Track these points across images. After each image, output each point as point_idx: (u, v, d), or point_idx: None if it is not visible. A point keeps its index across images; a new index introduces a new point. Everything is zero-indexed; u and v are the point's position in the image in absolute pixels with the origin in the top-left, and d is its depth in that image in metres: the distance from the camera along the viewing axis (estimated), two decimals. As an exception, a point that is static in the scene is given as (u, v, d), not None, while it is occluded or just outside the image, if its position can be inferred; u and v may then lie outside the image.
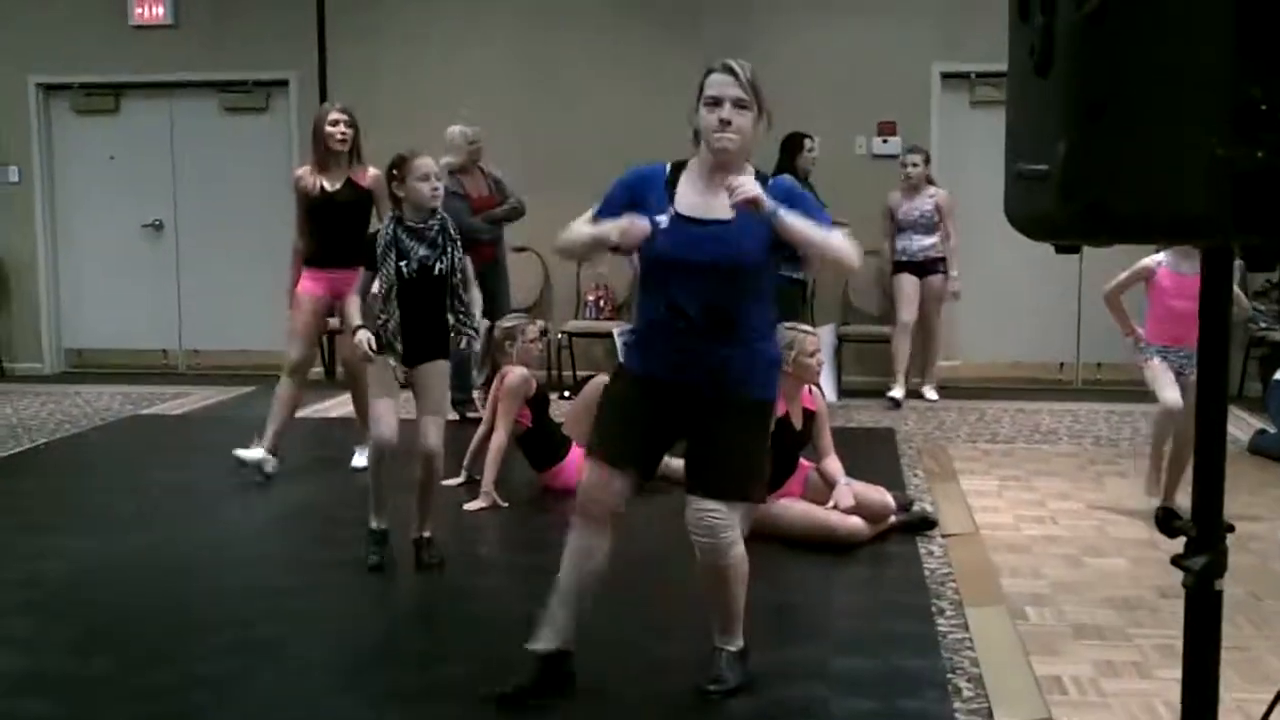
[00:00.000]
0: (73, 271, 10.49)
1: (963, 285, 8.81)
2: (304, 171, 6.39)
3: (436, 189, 4.77)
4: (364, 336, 4.79)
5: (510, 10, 9.65)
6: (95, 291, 10.46)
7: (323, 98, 9.75)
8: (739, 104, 3.42)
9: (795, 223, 3.36)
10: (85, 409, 8.60)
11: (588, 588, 3.64)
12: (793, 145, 8.19)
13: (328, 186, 6.25)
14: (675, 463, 6.10)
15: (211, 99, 10.20)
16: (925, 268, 8.66)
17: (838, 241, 3.46)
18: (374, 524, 4.92)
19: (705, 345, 3.46)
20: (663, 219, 3.47)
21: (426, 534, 4.93)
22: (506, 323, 6.32)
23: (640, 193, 3.56)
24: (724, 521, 3.49)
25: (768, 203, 3.32)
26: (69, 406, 8.71)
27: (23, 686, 3.76)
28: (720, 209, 3.42)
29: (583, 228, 3.54)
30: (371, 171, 6.25)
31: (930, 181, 8.70)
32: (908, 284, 8.63)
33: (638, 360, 3.62)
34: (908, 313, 8.60)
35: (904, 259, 8.68)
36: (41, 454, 7.20)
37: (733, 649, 3.69)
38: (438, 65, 9.63)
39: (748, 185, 3.32)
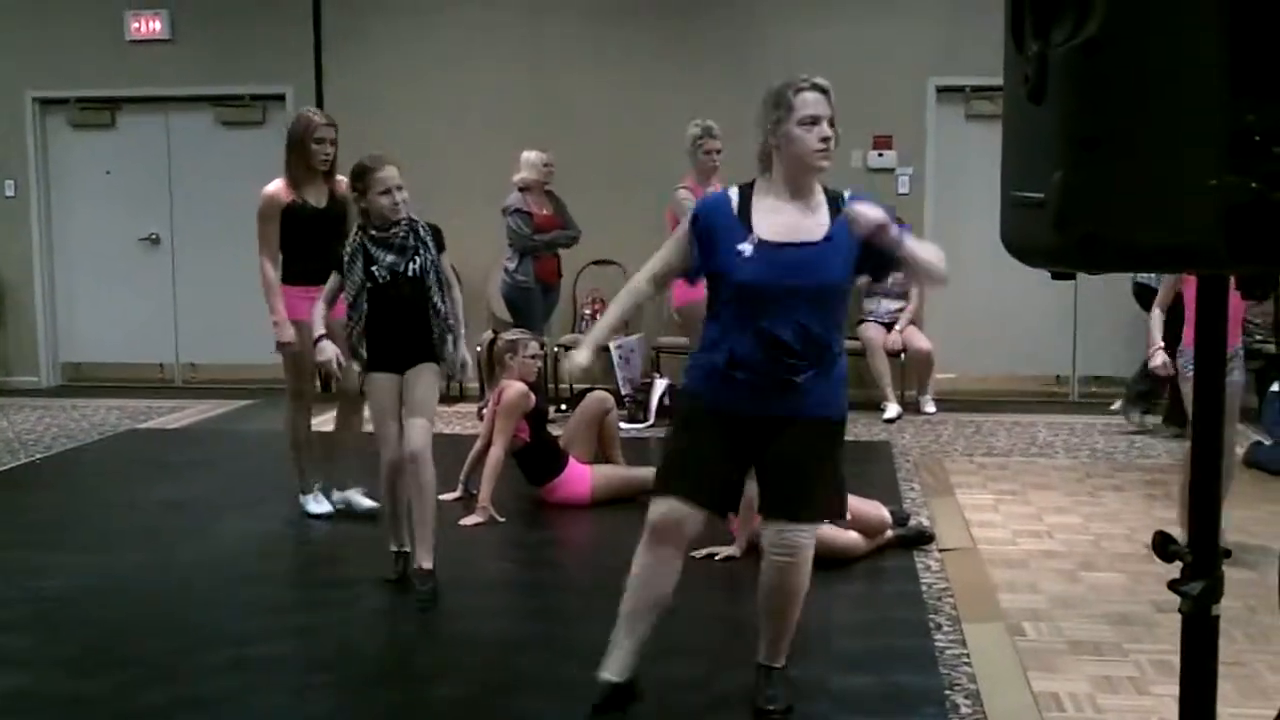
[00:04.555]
0: (69, 285, 10.48)
1: (959, 297, 8.85)
2: (279, 189, 5.74)
3: (398, 202, 4.69)
4: (331, 353, 4.80)
5: (507, 22, 9.66)
6: (92, 305, 10.46)
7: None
8: (832, 122, 3.44)
9: (917, 251, 3.39)
10: (82, 423, 8.60)
11: (656, 610, 3.60)
12: None
13: (313, 202, 5.75)
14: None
15: (208, 113, 10.21)
16: (890, 327, 8.97)
17: (941, 261, 3.47)
18: (392, 546, 4.91)
19: (793, 372, 3.40)
20: (746, 247, 3.40)
21: (425, 566, 4.74)
22: (507, 337, 6.33)
23: (708, 223, 3.50)
24: (808, 542, 3.52)
25: (893, 229, 3.30)
26: (66, 420, 8.71)
27: (19, 706, 3.76)
28: (809, 231, 3.43)
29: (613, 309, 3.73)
30: (344, 180, 5.75)
31: None
32: (873, 329, 8.89)
33: (714, 393, 3.49)
34: (877, 344, 8.79)
35: (870, 319, 9.00)
36: (38, 469, 7.19)
37: (779, 666, 3.71)
38: (434, 77, 9.64)
39: (871, 214, 3.28)
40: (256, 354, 10.23)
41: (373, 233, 4.74)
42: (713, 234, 3.47)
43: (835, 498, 3.63)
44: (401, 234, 4.73)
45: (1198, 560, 1.84)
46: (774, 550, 3.52)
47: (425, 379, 4.79)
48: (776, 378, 3.41)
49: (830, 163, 3.46)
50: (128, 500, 6.35)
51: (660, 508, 3.51)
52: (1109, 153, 1.61)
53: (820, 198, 3.51)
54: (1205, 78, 1.58)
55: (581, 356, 3.55)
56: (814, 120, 3.40)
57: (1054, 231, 1.66)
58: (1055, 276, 1.82)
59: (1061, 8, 1.66)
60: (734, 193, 3.53)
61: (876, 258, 3.42)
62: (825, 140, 3.41)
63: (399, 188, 4.69)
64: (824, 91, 3.45)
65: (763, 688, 3.66)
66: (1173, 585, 1.85)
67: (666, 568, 3.54)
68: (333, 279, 4.84)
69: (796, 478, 3.50)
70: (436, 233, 4.84)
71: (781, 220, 3.45)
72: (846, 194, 3.53)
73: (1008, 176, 1.87)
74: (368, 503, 5.84)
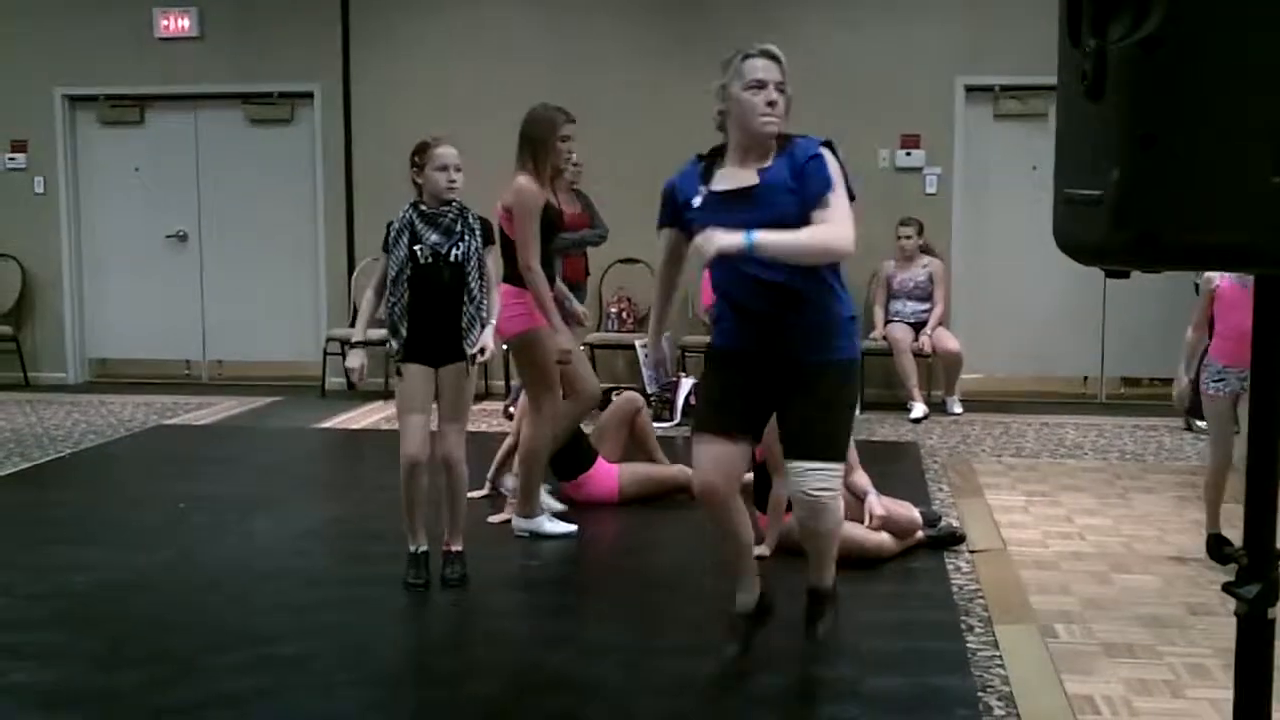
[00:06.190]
0: (97, 282, 10.53)
1: (985, 297, 8.96)
2: (532, 183, 5.37)
3: (454, 180, 4.72)
4: (358, 362, 4.78)
5: (534, 20, 9.67)
6: (119, 302, 10.50)
7: (347, 109, 9.80)
8: (779, 88, 3.58)
9: (772, 244, 3.46)
10: (110, 419, 8.63)
11: (749, 552, 3.91)
12: None
13: (556, 205, 5.57)
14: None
15: (236, 110, 10.23)
16: (917, 328, 8.90)
17: (820, 239, 3.52)
18: (410, 547, 4.87)
19: (773, 309, 3.60)
20: (696, 199, 3.67)
21: (455, 548, 4.91)
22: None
23: (679, 192, 3.77)
24: (832, 484, 3.65)
25: (737, 244, 3.43)
26: (94, 416, 8.75)
27: (49, 700, 3.77)
28: (746, 177, 3.61)
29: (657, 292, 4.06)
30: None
31: (926, 250, 8.98)
32: (899, 329, 8.85)
33: (723, 337, 3.78)
34: (904, 345, 8.77)
35: (896, 319, 8.96)
36: (66, 464, 7.22)
37: (826, 585, 3.88)
38: (462, 75, 9.65)
39: (711, 244, 3.45)
40: (283, 351, 10.33)
41: (423, 208, 4.76)
42: (677, 196, 3.77)
43: (838, 437, 3.71)
44: (451, 215, 4.75)
45: (1253, 562, 1.81)
46: (798, 493, 3.67)
47: (461, 383, 4.80)
48: (759, 315, 3.61)
49: (777, 127, 3.60)
50: (156, 496, 6.36)
51: (696, 463, 3.72)
52: (1168, 150, 1.60)
53: (771, 158, 3.64)
54: (1266, 74, 1.56)
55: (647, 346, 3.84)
56: (760, 85, 3.57)
57: (1111, 229, 1.64)
58: (1110, 275, 1.80)
59: (1120, 4, 1.64)
60: (699, 159, 3.78)
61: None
62: (771, 104, 3.56)
63: (457, 168, 4.74)
64: (773, 58, 3.62)
65: (810, 609, 3.91)
66: (1228, 588, 1.83)
67: (731, 521, 3.74)
68: (382, 264, 4.82)
69: (807, 419, 3.64)
70: (485, 226, 4.85)
71: (731, 172, 3.67)
72: (800, 140, 3.66)
73: (1062, 174, 1.85)
74: None
